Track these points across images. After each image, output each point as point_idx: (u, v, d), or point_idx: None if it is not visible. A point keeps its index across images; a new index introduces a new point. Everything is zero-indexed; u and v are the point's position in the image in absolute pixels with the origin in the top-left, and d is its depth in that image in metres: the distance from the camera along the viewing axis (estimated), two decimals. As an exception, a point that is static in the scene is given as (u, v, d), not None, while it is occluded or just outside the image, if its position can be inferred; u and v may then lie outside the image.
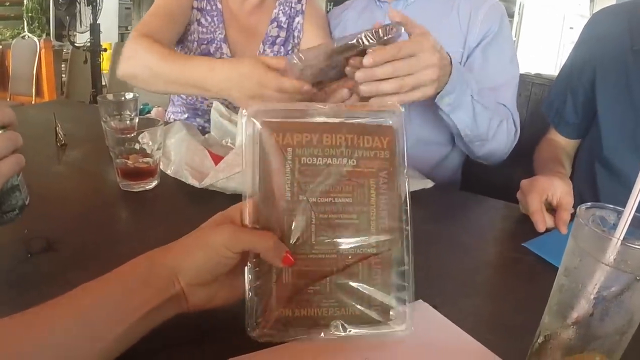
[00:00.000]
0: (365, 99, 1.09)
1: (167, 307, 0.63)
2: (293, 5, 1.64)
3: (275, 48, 1.63)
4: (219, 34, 1.56)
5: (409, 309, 0.69)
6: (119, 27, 12.51)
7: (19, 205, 0.77)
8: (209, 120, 1.48)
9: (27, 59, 6.11)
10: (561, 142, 1.51)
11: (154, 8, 1.51)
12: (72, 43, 6.42)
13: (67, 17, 6.84)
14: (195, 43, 1.57)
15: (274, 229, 0.66)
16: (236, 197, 0.68)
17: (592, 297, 0.55)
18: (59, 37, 9.87)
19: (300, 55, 1.09)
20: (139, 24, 1.46)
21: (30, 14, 10.54)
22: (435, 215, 1.15)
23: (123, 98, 1.33)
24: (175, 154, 1.24)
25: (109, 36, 8.17)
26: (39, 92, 6.19)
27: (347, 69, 1.11)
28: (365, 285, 0.68)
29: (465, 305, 0.80)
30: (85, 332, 0.57)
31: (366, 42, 1.04)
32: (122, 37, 12.84)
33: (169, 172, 1.19)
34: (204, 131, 1.50)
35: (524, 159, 1.54)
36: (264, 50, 1.62)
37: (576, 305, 0.56)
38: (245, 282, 0.65)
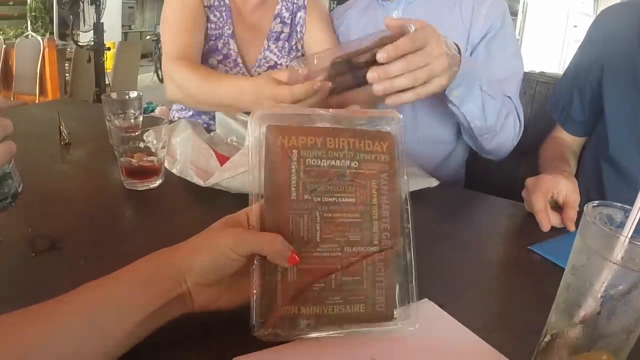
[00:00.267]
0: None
1: (172, 306, 0.63)
2: (295, 0, 1.64)
3: (280, 44, 1.63)
4: (227, 29, 1.56)
5: (414, 305, 0.70)
6: (122, 26, 12.53)
7: (12, 193, 0.76)
8: (213, 118, 1.49)
9: (30, 58, 6.13)
10: (567, 140, 1.51)
11: (172, 22, 1.52)
12: (76, 42, 6.44)
13: (71, 16, 6.87)
14: (204, 39, 1.58)
15: (280, 227, 0.66)
16: (241, 197, 0.69)
17: (599, 295, 0.54)
18: (62, 36, 9.89)
19: (302, 62, 1.09)
20: (167, 45, 1.50)
21: (33, 13, 10.58)
22: (440, 214, 1.14)
23: (127, 97, 1.33)
24: (181, 153, 1.24)
25: (112, 35, 8.20)
26: (42, 91, 6.20)
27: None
28: (369, 283, 0.68)
29: (471, 304, 0.80)
30: (92, 328, 0.58)
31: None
32: (126, 36, 12.89)
33: (174, 171, 1.19)
34: (209, 129, 1.51)
35: (528, 157, 1.54)
36: (268, 46, 1.62)
37: (583, 304, 0.56)
38: (251, 280, 0.65)
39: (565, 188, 1.10)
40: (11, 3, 10.71)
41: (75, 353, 0.56)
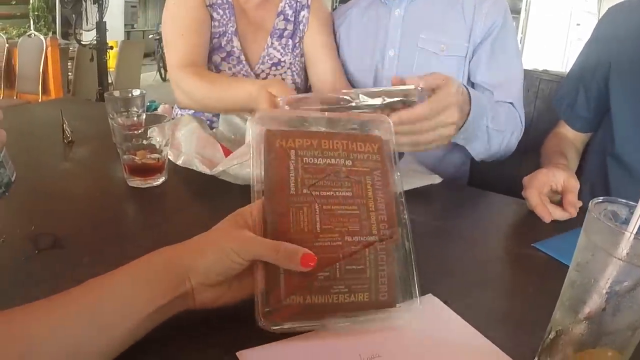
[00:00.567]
0: None
1: (175, 303, 0.64)
2: None
3: (283, 41, 1.63)
4: (231, 26, 1.56)
5: (416, 295, 0.71)
6: (125, 25, 12.56)
7: (5, 182, 0.75)
8: (217, 115, 1.49)
9: (33, 57, 6.13)
10: (569, 136, 1.50)
11: (175, 25, 1.51)
12: (79, 41, 6.45)
13: (73, 15, 6.88)
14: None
15: (281, 221, 0.69)
16: (244, 194, 0.69)
17: (604, 291, 0.54)
18: (65, 35, 9.92)
19: (288, 104, 1.08)
20: (170, 51, 1.50)
21: (36, 13, 10.59)
22: (444, 211, 1.14)
23: (130, 95, 1.33)
24: (186, 145, 1.23)
25: (115, 34, 8.20)
26: (45, 90, 6.21)
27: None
28: (373, 271, 0.70)
29: (475, 301, 0.80)
30: (94, 324, 0.58)
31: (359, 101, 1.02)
32: (128, 35, 12.91)
33: (179, 162, 1.19)
34: (211, 125, 1.50)
35: (531, 154, 1.54)
36: (272, 43, 1.61)
37: (588, 300, 0.56)
38: (255, 271, 0.66)
39: (562, 177, 1.12)
40: (14, 2, 10.73)
41: (77, 348, 0.56)
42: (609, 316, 0.55)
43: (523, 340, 0.70)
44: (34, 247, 0.88)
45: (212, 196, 1.11)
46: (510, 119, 1.41)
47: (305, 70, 1.69)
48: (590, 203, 0.57)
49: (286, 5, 1.62)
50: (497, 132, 1.31)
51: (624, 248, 0.52)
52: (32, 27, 9.65)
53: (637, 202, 0.55)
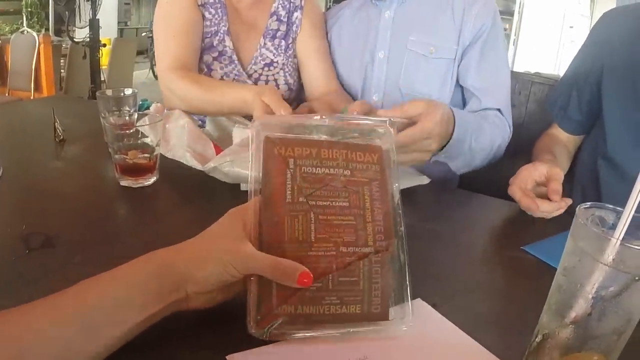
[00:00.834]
0: None
1: (167, 308, 0.63)
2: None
3: (276, 42, 1.62)
4: (223, 26, 1.55)
5: (408, 306, 0.71)
6: (118, 22, 12.52)
7: None
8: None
9: (26, 54, 6.10)
10: (561, 138, 1.51)
11: (167, 28, 1.50)
12: (71, 38, 6.43)
13: (67, 13, 6.86)
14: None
15: (276, 228, 0.68)
16: (236, 195, 0.69)
17: (590, 296, 0.55)
18: (57, 32, 9.89)
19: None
20: (162, 54, 1.48)
21: (29, 9, 10.55)
22: (433, 213, 1.15)
23: (122, 94, 1.32)
24: (176, 138, 1.23)
25: (108, 32, 8.19)
26: (37, 88, 6.18)
27: None
28: (366, 283, 0.69)
29: (463, 304, 0.80)
30: (85, 329, 0.57)
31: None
32: (121, 33, 12.87)
33: (168, 154, 1.19)
34: (202, 125, 1.50)
35: (522, 157, 1.54)
36: (265, 43, 1.61)
37: (574, 305, 0.56)
38: (247, 279, 0.66)
39: (544, 168, 1.14)
40: (6, -2, 10.69)
41: (67, 352, 0.56)
42: (594, 321, 0.55)
43: (511, 343, 0.70)
44: (24, 247, 0.88)
45: (203, 196, 1.11)
46: (496, 132, 1.42)
47: (298, 70, 1.69)
48: (577, 208, 0.58)
49: (279, 5, 1.62)
50: (481, 150, 1.33)
51: (610, 254, 0.52)
52: (24, 24, 9.61)
53: (625, 205, 0.55)
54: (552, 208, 1.09)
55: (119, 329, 0.59)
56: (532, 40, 8.99)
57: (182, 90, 1.40)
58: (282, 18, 1.63)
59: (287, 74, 1.64)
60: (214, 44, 1.56)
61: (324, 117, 0.78)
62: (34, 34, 6.25)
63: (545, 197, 1.11)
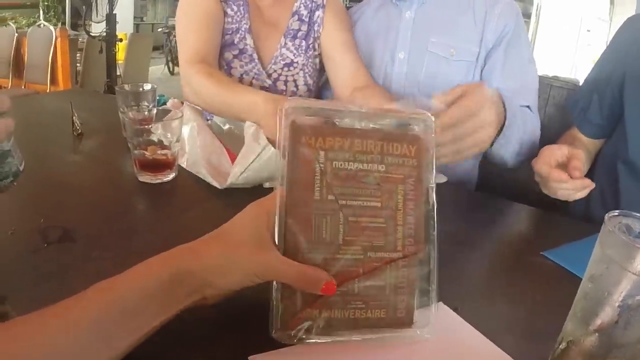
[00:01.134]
0: None
1: (182, 311, 0.62)
2: None
3: (297, 42, 1.61)
4: (244, 24, 1.54)
5: (433, 313, 0.69)
6: (134, 17, 12.58)
7: (13, 171, 0.74)
8: None
9: (42, 47, 6.14)
10: (582, 139, 1.50)
11: (188, 20, 1.50)
12: (88, 32, 6.45)
13: (83, 7, 6.88)
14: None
15: (303, 228, 0.65)
16: (255, 191, 0.68)
17: (617, 305, 0.54)
18: (74, 26, 9.95)
19: None
20: (183, 46, 1.48)
21: (46, 3, 10.63)
22: (452, 215, 1.13)
23: (141, 89, 1.33)
24: (190, 147, 1.22)
25: (124, 26, 8.21)
26: (53, 81, 6.22)
27: None
28: (392, 289, 0.67)
29: (485, 308, 0.80)
30: (99, 339, 0.55)
31: None
32: (137, 28, 12.93)
33: (184, 164, 1.19)
34: (209, 119, 1.49)
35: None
36: (285, 43, 1.60)
37: (600, 313, 0.55)
38: (272, 282, 0.64)
39: (565, 148, 1.13)
40: (24, -8, 10.75)
41: None
42: (620, 329, 0.55)
43: (532, 349, 0.69)
44: (42, 240, 0.88)
45: (222, 193, 1.11)
46: (534, 121, 1.41)
47: (317, 71, 1.68)
48: (605, 216, 0.57)
49: (301, 5, 1.61)
50: (526, 134, 1.31)
51: (638, 263, 0.52)
52: (41, 17, 9.67)
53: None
54: (574, 185, 1.08)
55: (134, 336, 0.58)
56: (549, 44, 8.94)
57: (197, 84, 1.38)
58: (303, 17, 1.61)
59: (306, 74, 1.63)
60: (235, 42, 1.55)
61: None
62: (51, 27, 6.28)
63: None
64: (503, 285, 0.89)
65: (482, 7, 1.50)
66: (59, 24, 8.83)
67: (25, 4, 10.79)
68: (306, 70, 1.63)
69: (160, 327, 0.61)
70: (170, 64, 11.56)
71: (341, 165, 0.67)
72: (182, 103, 1.79)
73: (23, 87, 6.17)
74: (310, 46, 1.63)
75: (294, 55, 1.61)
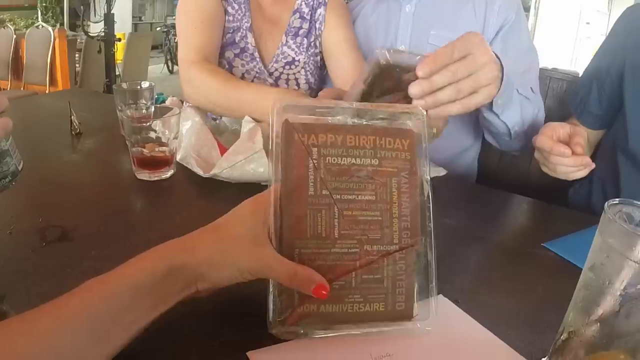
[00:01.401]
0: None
1: (177, 304, 0.62)
2: None
3: (298, 40, 1.60)
4: (245, 22, 1.53)
5: (432, 305, 0.69)
6: (133, 17, 12.57)
7: (11, 171, 0.74)
8: None
9: (41, 48, 6.14)
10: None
11: (188, 18, 1.48)
12: (86, 33, 6.46)
13: (81, 7, 6.89)
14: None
15: (297, 223, 0.65)
16: (254, 188, 0.68)
17: (618, 294, 0.53)
18: (72, 27, 9.95)
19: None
20: (183, 44, 1.46)
21: (44, 4, 10.62)
22: (453, 208, 1.13)
23: (139, 87, 1.32)
24: (186, 141, 1.22)
25: (123, 26, 8.23)
26: (52, 82, 6.22)
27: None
28: (390, 281, 0.67)
29: (485, 300, 0.79)
30: (93, 334, 0.55)
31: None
32: (136, 28, 12.93)
33: (177, 157, 1.19)
34: (215, 119, 1.49)
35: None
36: (286, 41, 1.59)
37: (602, 302, 0.55)
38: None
39: (567, 126, 1.13)
40: (22, -7, 10.75)
41: (75, 359, 0.54)
42: (622, 319, 0.54)
43: (533, 340, 0.69)
44: (41, 239, 0.88)
45: (221, 189, 1.11)
46: (533, 100, 1.39)
47: (319, 69, 1.67)
48: (606, 205, 0.56)
49: (303, 3, 1.59)
50: (528, 101, 1.29)
51: (639, 251, 0.51)
52: (39, 19, 9.67)
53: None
54: (575, 161, 1.08)
55: (128, 331, 0.57)
56: (548, 36, 8.93)
57: (199, 82, 1.37)
58: (305, 15, 1.60)
59: (308, 72, 1.62)
60: (236, 40, 1.54)
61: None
62: (49, 28, 6.28)
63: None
64: (504, 277, 0.88)
65: (482, 0, 1.50)
66: (57, 25, 8.83)
67: (23, 5, 10.79)
68: (307, 69, 1.61)
69: (157, 322, 0.60)
70: (170, 63, 11.56)
71: (334, 160, 0.67)
72: (182, 101, 1.79)
73: (22, 88, 6.18)
74: (312, 44, 1.61)
75: (295, 54, 1.59)
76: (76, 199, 1.07)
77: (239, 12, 1.53)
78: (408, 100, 0.93)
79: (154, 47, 8.85)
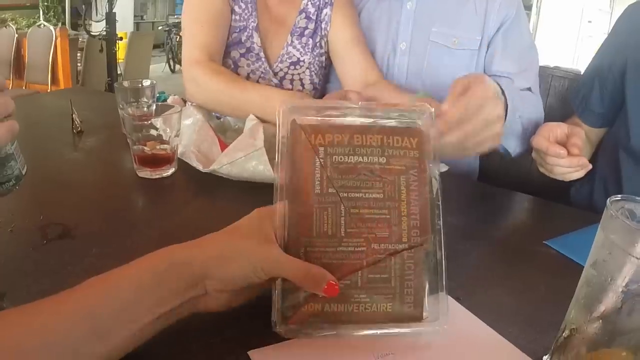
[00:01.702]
0: None
1: (183, 307, 0.61)
2: None
3: (304, 40, 1.59)
4: (252, 22, 1.52)
5: (445, 307, 0.67)
6: (135, 16, 12.57)
7: (15, 175, 0.73)
8: None
9: (43, 47, 6.15)
10: (584, 129, 1.49)
11: (195, 17, 1.47)
12: (88, 32, 6.48)
13: (83, 6, 6.92)
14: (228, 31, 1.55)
15: (304, 221, 0.65)
16: (255, 187, 0.68)
17: (620, 290, 0.53)
18: (74, 26, 9.97)
19: None
20: (189, 43, 1.45)
21: (46, 3, 10.64)
22: (454, 206, 1.13)
23: (140, 85, 1.32)
24: (186, 137, 1.22)
25: (124, 25, 8.23)
26: (54, 81, 6.23)
27: None
28: (398, 281, 0.66)
29: (487, 298, 0.79)
30: (93, 331, 0.55)
31: None
32: (138, 27, 12.93)
33: (177, 154, 1.19)
34: (219, 115, 1.49)
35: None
36: (292, 41, 1.58)
37: (604, 299, 0.55)
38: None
39: (565, 126, 1.13)
40: (24, -8, 10.75)
41: (75, 355, 0.54)
42: (624, 316, 0.54)
43: (535, 337, 0.69)
44: (42, 237, 0.88)
45: (222, 188, 1.11)
46: (532, 104, 1.40)
47: (324, 69, 1.66)
48: (608, 201, 0.56)
49: (309, 3, 1.58)
50: (528, 120, 1.29)
51: (642, 247, 0.51)
52: (41, 18, 9.66)
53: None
54: (571, 163, 1.08)
55: (128, 329, 0.56)
56: (550, 35, 8.92)
57: (204, 81, 1.36)
58: (310, 15, 1.59)
59: (313, 73, 1.61)
60: (242, 40, 1.53)
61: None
62: (51, 27, 6.28)
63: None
64: (505, 275, 0.88)
65: None
66: (59, 24, 8.84)
67: (25, 4, 10.79)
68: (312, 69, 1.61)
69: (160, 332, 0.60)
70: (171, 62, 11.56)
71: (341, 159, 0.67)
72: (183, 100, 1.78)
73: (24, 87, 6.18)
74: (317, 44, 1.60)
75: (300, 54, 1.58)
76: (77, 197, 1.07)
77: (246, 11, 1.52)
78: None
79: (155, 46, 8.86)
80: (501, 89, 1.05)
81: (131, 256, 0.62)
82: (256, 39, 1.53)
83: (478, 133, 0.97)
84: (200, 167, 1.12)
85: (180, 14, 1.53)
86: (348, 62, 1.59)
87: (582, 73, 1.56)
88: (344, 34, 1.59)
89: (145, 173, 1.15)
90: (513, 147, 1.30)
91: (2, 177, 0.73)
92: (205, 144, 1.20)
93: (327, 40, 1.62)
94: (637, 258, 0.51)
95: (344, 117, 0.70)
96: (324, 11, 1.59)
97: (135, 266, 0.60)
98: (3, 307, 0.68)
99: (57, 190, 1.09)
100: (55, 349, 0.52)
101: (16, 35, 6.37)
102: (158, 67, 11.11)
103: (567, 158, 1.07)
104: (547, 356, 0.65)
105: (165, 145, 1.13)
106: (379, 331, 0.66)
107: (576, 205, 1.45)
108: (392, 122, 0.70)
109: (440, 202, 0.69)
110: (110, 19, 6.19)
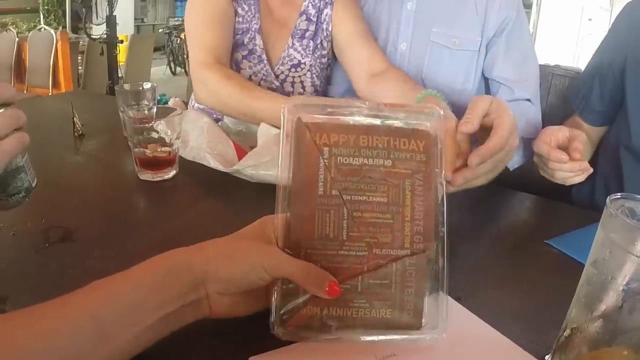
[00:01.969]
0: None
1: (186, 312, 0.61)
2: None
3: (304, 42, 1.58)
4: (255, 24, 1.52)
5: (443, 314, 0.66)
6: (135, 19, 12.57)
7: (25, 187, 0.74)
8: None
9: (43, 51, 6.16)
10: (584, 127, 1.49)
11: (200, 19, 1.46)
12: (89, 35, 6.48)
13: (83, 9, 6.92)
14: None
15: (305, 223, 0.64)
16: (257, 189, 0.68)
17: (621, 289, 0.53)
18: (75, 29, 9.98)
19: None
20: (196, 45, 1.43)
21: (46, 7, 10.65)
22: (455, 205, 1.12)
23: (141, 88, 1.32)
24: (195, 138, 1.22)
25: (125, 28, 8.24)
26: (55, 84, 6.24)
27: None
28: (398, 287, 0.65)
29: (489, 298, 0.79)
30: (96, 333, 0.55)
31: None
32: (138, 29, 12.94)
33: (188, 156, 1.18)
34: (217, 118, 1.48)
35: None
36: (293, 43, 1.57)
37: (605, 298, 0.55)
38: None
39: (566, 130, 1.13)
40: (24, -4, 10.77)
41: (78, 357, 0.54)
42: (625, 314, 0.54)
43: (537, 337, 0.69)
44: (44, 240, 0.88)
45: (224, 190, 1.11)
46: (531, 117, 1.41)
47: (325, 71, 1.66)
48: (607, 199, 0.56)
49: (309, 4, 1.57)
50: (527, 139, 1.30)
51: (642, 245, 0.51)
52: (42, 22, 9.70)
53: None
54: (572, 167, 1.08)
55: (131, 331, 0.57)
56: (550, 33, 8.91)
57: (214, 85, 1.34)
58: (311, 17, 1.58)
59: (314, 75, 1.61)
60: (244, 42, 1.52)
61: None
62: (52, 31, 6.30)
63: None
64: (507, 274, 0.88)
65: None
66: (60, 28, 8.85)
67: (25, 8, 10.81)
68: (313, 71, 1.60)
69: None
70: (172, 65, 11.56)
71: (345, 160, 0.66)
72: (184, 102, 1.78)
73: (25, 91, 6.19)
74: (319, 46, 1.60)
75: (301, 56, 1.58)
76: (79, 200, 1.07)
77: (249, 13, 1.51)
78: None
79: (156, 49, 8.85)
80: None
81: (132, 259, 0.62)
82: (259, 41, 1.53)
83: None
84: (221, 168, 1.12)
85: (181, 17, 1.53)
86: (351, 55, 1.57)
87: (582, 71, 1.56)
88: (347, 28, 1.57)
89: (147, 176, 1.15)
90: (512, 163, 1.32)
91: (12, 189, 0.73)
92: (220, 145, 1.20)
93: (329, 40, 1.61)
94: (637, 256, 0.52)
95: (351, 115, 0.68)
96: (325, 12, 1.58)
97: (137, 270, 0.61)
98: (5, 310, 0.69)
99: (58, 194, 1.09)
100: (59, 352, 0.53)
101: (17, 39, 6.38)
102: (159, 69, 11.11)
103: (568, 163, 1.07)
104: (549, 356, 0.65)
105: (167, 148, 1.13)
106: (377, 337, 0.65)
107: (578, 204, 1.44)
108: (399, 123, 0.69)
109: (445, 209, 0.68)
110: (111, 22, 6.20)
